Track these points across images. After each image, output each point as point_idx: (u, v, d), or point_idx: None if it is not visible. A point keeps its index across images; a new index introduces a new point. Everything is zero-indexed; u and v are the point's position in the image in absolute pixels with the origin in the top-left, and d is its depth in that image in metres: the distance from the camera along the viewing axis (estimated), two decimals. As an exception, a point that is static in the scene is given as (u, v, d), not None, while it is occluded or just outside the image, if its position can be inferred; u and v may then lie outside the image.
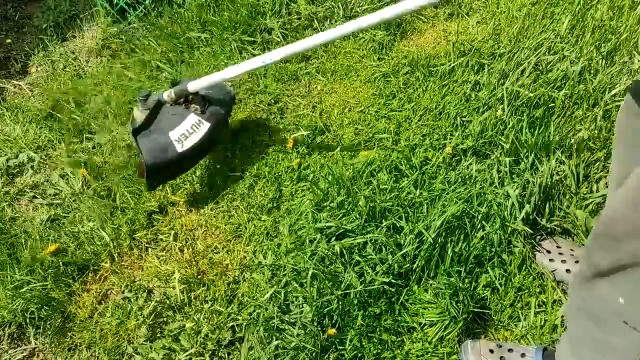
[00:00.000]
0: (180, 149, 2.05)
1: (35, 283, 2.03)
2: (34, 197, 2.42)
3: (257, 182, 2.32)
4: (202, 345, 1.82)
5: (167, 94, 2.07)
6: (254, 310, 1.88)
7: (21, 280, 2.05)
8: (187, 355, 1.80)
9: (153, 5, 3.29)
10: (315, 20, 3.06)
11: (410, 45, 2.93)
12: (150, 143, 2.04)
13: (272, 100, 2.70)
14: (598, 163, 2.11)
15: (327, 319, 1.80)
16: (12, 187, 2.47)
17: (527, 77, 2.43)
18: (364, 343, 1.76)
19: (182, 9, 3.26)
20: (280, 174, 2.33)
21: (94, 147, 2.62)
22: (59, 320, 1.97)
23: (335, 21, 3.05)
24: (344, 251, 1.91)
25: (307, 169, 2.33)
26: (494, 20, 2.88)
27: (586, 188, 2.05)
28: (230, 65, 1.98)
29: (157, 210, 2.27)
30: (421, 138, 2.34)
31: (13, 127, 2.79)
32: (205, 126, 2.09)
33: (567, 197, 2.03)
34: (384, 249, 1.92)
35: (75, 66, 3.19)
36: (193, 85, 2.00)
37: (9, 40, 3.47)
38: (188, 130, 2.05)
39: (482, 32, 2.85)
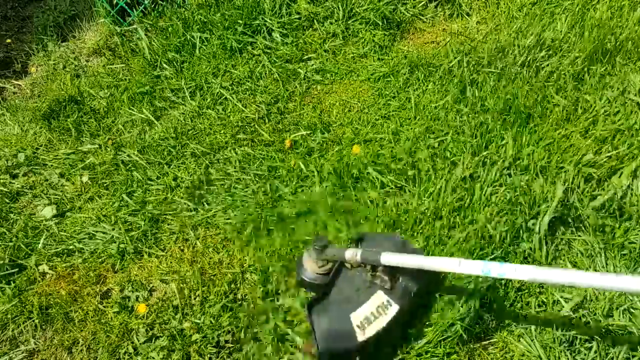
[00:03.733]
0: (360, 337, 1.59)
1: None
2: (34, 196, 2.42)
3: (257, 182, 2.32)
4: (202, 345, 1.81)
5: (351, 256, 1.64)
6: (255, 312, 1.88)
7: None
8: (186, 356, 1.80)
9: (153, 5, 3.29)
10: (315, 21, 3.06)
11: (410, 45, 2.93)
12: (326, 325, 1.62)
13: (272, 100, 2.70)
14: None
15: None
16: (11, 187, 2.47)
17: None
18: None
19: (182, 8, 3.27)
20: (279, 174, 2.33)
21: (94, 147, 2.62)
22: (59, 320, 1.97)
23: (336, 21, 3.04)
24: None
25: (307, 167, 2.33)
26: (494, 20, 2.89)
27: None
28: (423, 256, 1.49)
29: (157, 210, 2.27)
30: (421, 138, 2.34)
31: (13, 126, 2.79)
32: (394, 309, 1.63)
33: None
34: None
35: (75, 66, 3.19)
36: (387, 259, 1.55)
37: (9, 40, 3.48)
38: (373, 314, 1.62)
39: (482, 32, 2.85)
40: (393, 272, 1.63)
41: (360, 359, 1.64)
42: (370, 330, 1.59)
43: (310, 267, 1.75)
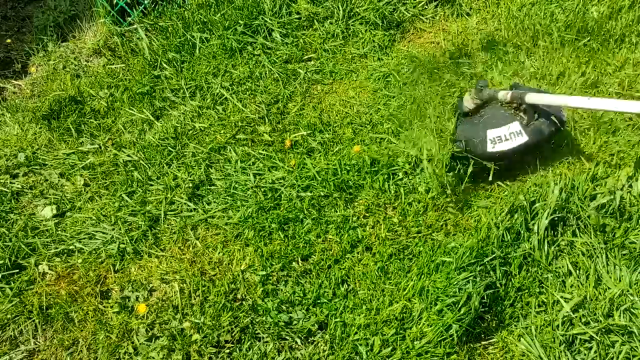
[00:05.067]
0: (490, 149, 2.06)
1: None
2: (34, 196, 2.42)
3: (257, 182, 2.32)
4: (202, 345, 1.81)
5: (504, 95, 2.07)
6: (255, 312, 1.88)
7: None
8: (186, 355, 1.80)
9: (153, 5, 3.29)
10: (315, 21, 3.06)
11: (410, 45, 2.93)
12: (466, 132, 2.11)
13: (272, 100, 2.70)
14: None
15: (328, 318, 1.81)
16: (11, 187, 2.47)
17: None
18: (367, 336, 1.76)
19: (182, 8, 3.26)
20: (278, 174, 2.33)
21: (93, 147, 2.62)
22: (59, 320, 1.97)
23: (336, 21, 3.04)
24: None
25: (305, 167, 2.33)
26: (494, 20, 2.89)
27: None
28: (577, 96, 1.88)
29: (157, 210, 2.27)
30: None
31: (13, 126, 2.79)
32: (523, 139, 2.04)
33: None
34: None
35: (75, 66, 3.19)
36: (532, 98, 1.97)
37: (9, 40, 3.48)
38: (505, 136, 2.04)
39: (482, 32, 2.85)
40: (534, 112, 2.04)
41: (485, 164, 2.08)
42: (499, 147, 2.05)
43: (467, 103, 2.21)
